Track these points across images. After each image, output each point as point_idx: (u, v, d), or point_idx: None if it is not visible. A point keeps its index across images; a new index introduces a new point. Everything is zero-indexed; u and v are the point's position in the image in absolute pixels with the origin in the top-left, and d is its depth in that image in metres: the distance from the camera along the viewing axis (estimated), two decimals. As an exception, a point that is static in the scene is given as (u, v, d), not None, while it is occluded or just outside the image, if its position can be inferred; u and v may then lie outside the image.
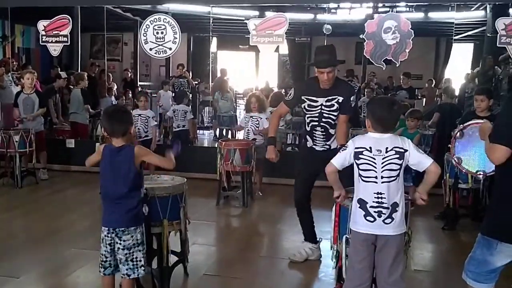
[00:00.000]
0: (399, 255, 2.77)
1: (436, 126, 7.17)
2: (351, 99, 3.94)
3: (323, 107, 3.93)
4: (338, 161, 2.86)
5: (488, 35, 7.89)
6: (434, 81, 11.16)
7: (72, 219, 5.42)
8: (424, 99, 10.64)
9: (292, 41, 11.79)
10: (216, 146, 6.24)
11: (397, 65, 6.34)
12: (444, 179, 5.29)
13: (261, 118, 6.32)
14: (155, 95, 10.59)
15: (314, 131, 4.02)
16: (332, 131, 3.99)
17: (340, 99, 3.90)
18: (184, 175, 4.10)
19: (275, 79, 13.93)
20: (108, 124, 3.07)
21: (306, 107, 4.01)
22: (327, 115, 3.94)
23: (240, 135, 7.67)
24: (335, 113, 3.93)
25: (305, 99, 4.00)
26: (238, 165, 5.80)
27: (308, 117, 4.02)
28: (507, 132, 2.51)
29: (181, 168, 6.43)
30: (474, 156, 2.98)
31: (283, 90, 11.60)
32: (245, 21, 8.16)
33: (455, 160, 3.22)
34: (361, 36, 6.59)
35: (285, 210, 5.92)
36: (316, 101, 3.95)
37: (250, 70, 13.68)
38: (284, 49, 11.88)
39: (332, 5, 8.99)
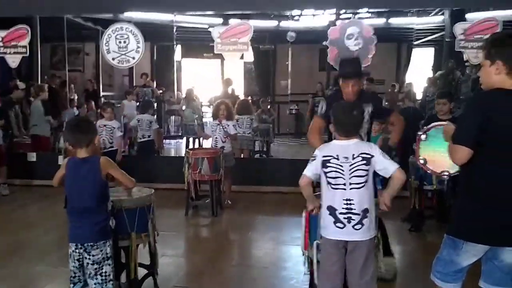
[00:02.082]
0: (369, 258, 2.80)
1: (400, 129, 7.29)
2: (382, 102, 3.90)
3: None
4: (310, 171, 2.86)
5: (447, 39, 8.12)
6: (396, 85, 11.41)
7: (35, 235, 5.24)
8: (387, 103, 10.84)
9: (256, 48, 11.84)
10: (184, 155, 6.17)
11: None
12: (409, 181, 5.40)
13: (228, 126, 6.29)
14: (118, 105, 10.41)
15: None
16: None
17: (370, 108, 3.83)
18: (151, 185, 4.03)
19: (241, 87, 13.94)
20: (71, 135, 3.00)
21: None
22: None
23: (207, 143, 7.62)
24: (367, 125, 3.87)
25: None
26: (207, 174, 5.75)
27: None
28: (468, 134, 2.57)
29: (147, 178, 6.42)
30: (439, 157, 3.02)
31: (250, 97, 11.69)
32: (209, 29, 8.14)
33: (420, 162, 3.27)
34: (324, 43, 6.66)
35: (255, 218, 5.92)
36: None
37: (215, 78, 13.65)
38: (249, 56, 11.91)
39: (295, 12, 9.07)
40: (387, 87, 11.52)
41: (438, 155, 3.04)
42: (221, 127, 6.25)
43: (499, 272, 2.72)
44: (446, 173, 3.07)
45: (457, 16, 7.25)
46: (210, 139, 6.48)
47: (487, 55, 2.62)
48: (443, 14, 8.59)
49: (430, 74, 10.09)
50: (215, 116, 6.44)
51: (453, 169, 2.74)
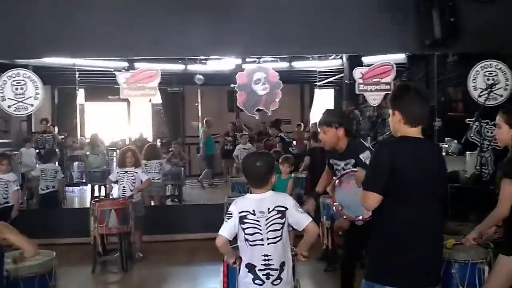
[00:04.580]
0: (290, 311, 2.74)
1: (308, 169, 7.51)
2: (361, 156, 3.68)
3: (343, 170, 3.83)
4: (227, 231, 2.76)
5: (346, 81, 8.59)
6: (302, 125, 11.82)
7: None
8: (295, 142, 11.17)
9: (165, 90, 11.71)
10: (89, 206, 5.78)
11: (268, 114, 6.57)
12: (322, 221, 5.51)
13: (137, 173, 6.04)
14: (15, 152, 9.65)
15: None
16: None
17: (353, 161, 3.77)
18: (53, 241, 3.70)
19: (149, 129, 13.62)
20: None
21: (335, 169, 3.98)
22: None
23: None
24: None
25: (332, 162, 3.99)
26: (115, 226, 5.43)
27: None
28: (377, 180, 2.66)
29: (49, 233, 5.94)
30: (353, 203, 3.10)
31: (159, 140, 11.44)
32: (114, 72, 7.90)
33: (337, 207, 3.35)
34: (232, 85, 6.74)
35: (169, 270, 5.66)
36: (339, 165, 3.91)
37: (121, 121, 13.21)
38: (157, 98, 11.72)
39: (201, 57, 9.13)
40: (293, 127, 11.89)
41: (353, 200, 3.11)
42: (128, 175, 5.99)
43: (413, 313, 2.79)
44: (360, 218, 3.15)
45: (354, 60, 7.71)
46: (117, 187, 6.17)
47: (391, 106, 2.77)
48: (341, 57, 9.11)
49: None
50: (121, 163, 6.16)
51: (368, 213, 2.80)
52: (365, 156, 3.56)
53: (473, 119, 6.28)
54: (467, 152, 6.47)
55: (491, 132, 5.92)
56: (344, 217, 3.57)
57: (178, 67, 10.44)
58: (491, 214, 3.05)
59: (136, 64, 7.74)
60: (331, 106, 12.06)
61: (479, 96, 6.08)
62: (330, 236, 5.38)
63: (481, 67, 6.13)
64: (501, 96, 6.02)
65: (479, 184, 5.92)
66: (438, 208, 2.71)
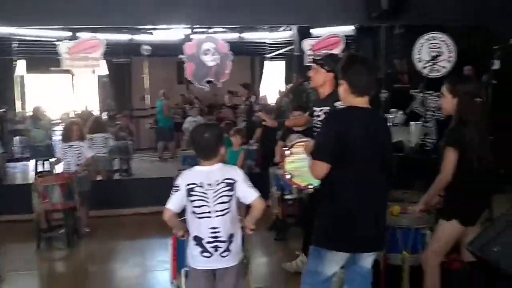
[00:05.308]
0: (238, 281, 2.77)
1: (260, 141, 7.54)
2: (336, 104, 3.50)
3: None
4: (174, 204, 2.71)
5: (296, 54, 8.59)
6: (253, 97, 11.76)
7: None
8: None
9: (111, 61, 11.33)
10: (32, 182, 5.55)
11: (218, 86, 6.47)
12: (271, 192, 5.56)
13: (82, 147, 5.84)
14: (-50, 127, 9.11)
15: None
16: None
17: (328, 109, 3.66)
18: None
19: (95, 102, 13.18)
20: None
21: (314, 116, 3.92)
22: None
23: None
24: None
25: (313, 109, 3.95)
26: (59, 202, 5.25)
27: None
28: (325, 150, 2.70)
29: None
30: (303, 171, 3.13)
31: (105, 113, 11.10)
32: (56, 42, 7.52)
33: (287, 176, 3.38)
34: (180, 56, 6.57)
35: (117, 244, 5.56)
36: (316, 111, 3.86)
37: (66, 94, 12.70)
38: (103, 70, 11.33)
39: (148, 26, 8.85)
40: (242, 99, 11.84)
41: (303, 170, 3.14)
42: (73, 149, 5.78)
43: (359, 277, 2.90)
44: (311, 186, 3.19)
45: (304, 32, 7.71)
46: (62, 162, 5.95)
47: (340, 76, 2.79)
48: (291, 30, 9.08)
49: (283, 86, 10.61)
50: (66, 137, 5.93)
51: (317, 181, 2.85)
52: (339, 104, 3.40)
53: (417, 91, 6.47)
54: (411, 123, 6.67)
55: (435, 103, 6.12)
56: (295, 186, 3.60)
57: (124, 37, 10.07)
58: (435, 181, 3.17)
59: (80, 34, 7.41)
60: (282, 78, 12.09)
61: (424, 68, 6.25)
62: (280, 206, 5.45)
63: (425, 39, 6.27)
64: (444, 67, 6.20)
65: (423, 153, 6.14)
66: (382, 176, 2.79)
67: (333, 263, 2.79)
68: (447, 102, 3.24)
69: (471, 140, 3.04)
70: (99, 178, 7.30)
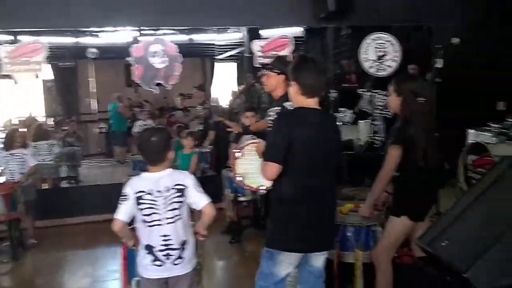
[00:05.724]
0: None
1: (213, 143, 7.49)
2: (284, 104, 3.58)
3: None
4: (123, 214, 2.62)
5: (246, 55, 8.58)
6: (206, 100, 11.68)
7: None
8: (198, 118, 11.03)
9: (56, 65, 10.95)
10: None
11: (167, 88, 6.35)
12: (225, 194, 5.52)
13: (26, 155, 5.60)
14: None
15: None
16: None
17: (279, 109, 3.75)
18: None
19: (41, 107, 12.68)
20: None
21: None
22: None
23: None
24: None
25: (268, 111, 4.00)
26: (2, 213, 5.00)
27: None
28: (276, 150, 2.69)
29: None
30: (255, 173, 3.11)
31: (52, 119, 10.69)
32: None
33: (238, 179, 3.34)
34: (127, 59, 6.41)
35: (65, 255, 5.35)
36: (271, 111, 3.89)
37: (8, 100, 12.14)
38: (48, 74, 10.93)
39: (94, 28, 8.60)
40: (195, 101, 11.71)
41: (255, 171, 3.11)
42: (16, 157, 5.53)
43: (312, 277, 2.92)
44: (263, 188, 3.16)
45: (253, 33, 7.71)
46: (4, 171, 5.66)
47: (291, 76, 2.79)
48: (241, 31, 9.06)
49: (235, 87, 10.59)
50: (8, 145, 5.66)
51: (269, 183, 2.83)
52: (289, 105, 3.49)
53: (365, 90, 6.60)
54: (360, 121, 6.81)
55: (382, 101, 6.27)
56: (247, 188, 3.58)
57: (69, 40, 9.75)
58: (376, 179, 3.22)
59: (21, 37, 7.11)
60: (234, 80, 12.07)
61: (370, 67, 6.38)
62: (234, 209, 5.42)
63: (371, 39, 6.40)
64: (390, 67, 6.35)
65: (372, 151, 6.27)
66: (331, 176, 2.81)
67: (286, 264, 2.79)
68: (392, 100, 3.31)
69: (417, 138, 3.10)
70: (45, 186, 7.03)
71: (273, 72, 3.85)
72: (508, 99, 5.98)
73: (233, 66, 12.36)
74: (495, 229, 2.07)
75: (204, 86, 10.58)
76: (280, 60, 4.01)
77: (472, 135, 6.17)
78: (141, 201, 2.59)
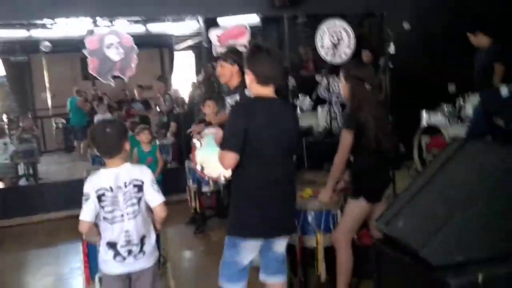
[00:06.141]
0: (155, 282, 2.74)
1: (174, 135, 7.45)
2: (246, 91, 3.48)
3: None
4: (88, 214, 2.59)
5: (204, 45, 8.52)
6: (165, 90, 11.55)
7: None
8: (159, 109, 10.90)
9: (7, 60, 10.56)
10: None
11: (125, 81, 6.26)
12: (188, 185, 5.53)
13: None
14: None
15: None
16: None
17: (237, 96, 3.82)
18: None
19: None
20: None
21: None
22: None
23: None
24: None
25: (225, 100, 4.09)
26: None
27: None
28: (233, 140, 2.71)
29: None
30: (214, 162, 3.12)
31: (5, 116, 10.34)
32: None
33: (198, 168, 3.36)
34: (83, 51, 6.27)
35: (27, 254, 5.25)
36: (227, 100, 4.00)
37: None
38: (0, 70, 10.56)
39: (47, 21, 8.34)
40: (155, 93, 11.56)
41: (214, 160, 3.13)
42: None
43: (274, 262, 2.97)
44: (223, 177, 3.19)
45: (211, 22, 7.65)
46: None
47: (245, 65, 2.81)
48: (198, 20, 8.97)
49: (194, 77, 10.50)
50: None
51: (229, 172, 2.86)
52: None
53: (321, 76, 6.71)
54: (318, 107, 6.92)
55: (338, 88, 6.38)
56: (207, 178, 3.60)
57: (20, 33, 9.41)
58: (333, 164, 3.31)
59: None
60: (193, 70, 11.94)
61: (326, 54, 6.47)
62: (197, 199, 5.43)
63: (327, 27, 6.48)
64: (345, 54, 6.46)
65: (330, 136, 6.39)
66: (290, 163, 2.87)
67: (248, 251, 2.82)
68: (343, 87, 3.42)
69: (367, 123, 3.20)
70: (2, 185, 6.84)
71: (226, 63, 3.91)
72: (458, 81, 6.21)
73: (192, 56, 12.23)
74: (447, 208, 2.08)
75: (164, 77, 10.43)
76: (232, 50, 4.08)
77: (426, 117, 6.39)
78: (102, 198, 2.58)
